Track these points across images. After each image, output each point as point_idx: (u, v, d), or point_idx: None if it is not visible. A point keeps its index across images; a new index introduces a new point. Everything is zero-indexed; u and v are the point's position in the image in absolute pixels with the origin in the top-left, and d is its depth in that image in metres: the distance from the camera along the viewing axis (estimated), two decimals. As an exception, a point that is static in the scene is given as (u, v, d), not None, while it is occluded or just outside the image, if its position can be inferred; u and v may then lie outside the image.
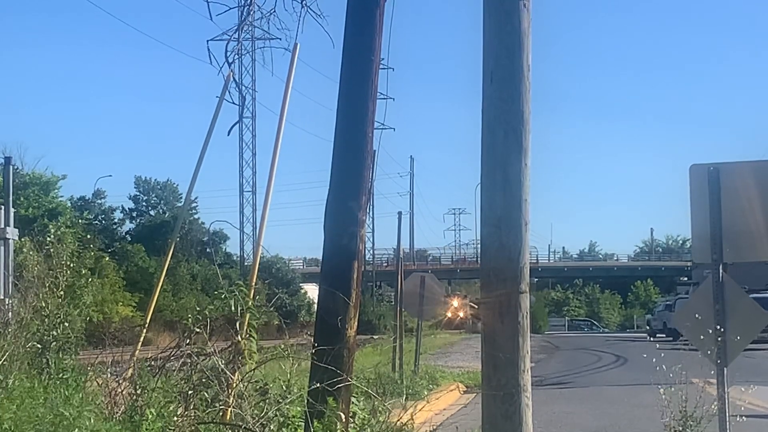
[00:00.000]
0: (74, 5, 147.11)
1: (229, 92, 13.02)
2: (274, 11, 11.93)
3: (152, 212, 77.87)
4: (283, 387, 10.03)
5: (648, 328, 78.02)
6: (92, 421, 6.47)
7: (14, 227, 13.82)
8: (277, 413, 9.50)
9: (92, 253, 11.50)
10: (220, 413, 9.17)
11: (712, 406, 10.07)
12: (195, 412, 8.96)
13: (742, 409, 13.53)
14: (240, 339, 9.98)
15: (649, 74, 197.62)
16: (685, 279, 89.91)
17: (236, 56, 12.68)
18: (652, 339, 65.45)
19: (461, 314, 78.46)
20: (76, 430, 6.13)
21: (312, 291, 74.54)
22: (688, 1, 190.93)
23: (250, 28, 12.44)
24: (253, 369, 9.92)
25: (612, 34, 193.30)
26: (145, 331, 12.84)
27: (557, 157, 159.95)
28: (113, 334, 15.59)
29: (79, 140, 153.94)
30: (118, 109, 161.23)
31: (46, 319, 9.02)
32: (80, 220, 55.44)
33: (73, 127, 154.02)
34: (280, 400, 9.75)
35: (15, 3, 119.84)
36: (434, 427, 12.45)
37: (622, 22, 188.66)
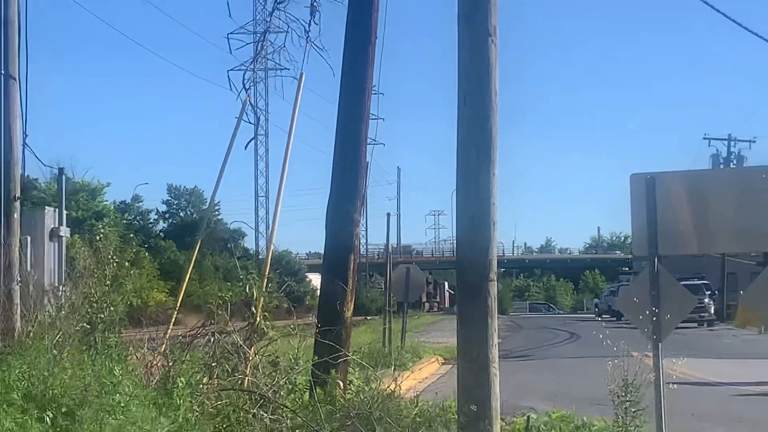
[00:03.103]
0: (123, 45, 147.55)
1: (246, 114, 13.04)
2: (284, 46, 11.96)
3: (182, 214, 77.78)
4: (292, 360, 10.05)
5: (596, 309, 78.01)
6: (131, 388, 6.48)
7: (66, 227, 13.83)
8: (287, 382, 9.52)
9: (132, 249, 11.50)
10: (239, 381, 9.19)
11: (649, 376, 10.10)
12: (218, 381, 8.98)
13: (674, 377, 13.52)
14: (254, 319, 10.01)
15: (600, 92, 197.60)
16: (627, 269, 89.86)
17: (252, 84, 12.72)
18: (599, 319, 65.44)
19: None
20: (117, 395, 6.14)
21: (315, 280, 74.40)
22: (627, 31, 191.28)
23: (263, 60, 12.42)
24: (267, 344, 9.94)
25: (568, 59, 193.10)
26: (176, 313, 12.83)
27: (521, 164, 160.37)
28: (150, 315, 15.57)
29: (121, 153, 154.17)
30: (153, 126, 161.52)
31: (94, 304, 9.04)
32: (122, 221, 55.44)
33: (117, 142, 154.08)
34: (289, 371, 9.77)
35: (72, 41, 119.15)
36: (418, 393, 12.45)
37: (575, 51, 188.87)
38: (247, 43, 12.55)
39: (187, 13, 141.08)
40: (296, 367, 10.03)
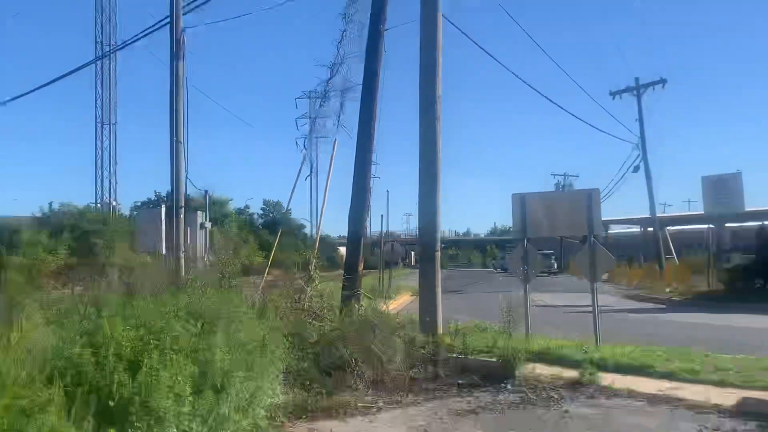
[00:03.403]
0: (240, 124, 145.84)
1: (305, 161, 13.09)
2: (325, 125, 12.01)
3: (270, 215, 77.45)
4: (330, 294, 10.07)
5: (494, 267, 77.83)
6: (244, 308, 6.49)
7: (209, 222, 13.88)
8: (327, 305, 9.54)
9: (243, 234, 11.58)
10: (301, 305, 9.19)
11: (523, 302, 10.14)
12: (290, 304, 8.98)
13: (535, 302, 13.44)
14: (310, 272, 10.03)
15: (496, 146, 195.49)
16: (510, 245, 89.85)
17: (309, 145, 12.76)
18: (496, 272, 65.26)
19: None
20: (236, 312, 6.14)
21: (342, 250, 73.88)
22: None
23: (315, 132, 12.45)
24: (316, 285, 9.95)
25: (478, 125, 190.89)
26: (267, 269, 12.84)
27: (455, 183, 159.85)
28: (253, 270, 15.56)
29: (238, 180, 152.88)
30: (257, 166, 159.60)
31: (223, 264, 9.04)
32: (238, 219, 55.24)
33: (236, 174, 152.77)
34: (328, 299, 9.79)
35: (211, 117, 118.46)
36: (398, 311, 12.49)
37: (483, 122, 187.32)
38: (305, 124, 12.59)
39: (273, 105, 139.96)
40: (332, 298, 10.06)
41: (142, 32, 16.79)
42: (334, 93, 11.66)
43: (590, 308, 10.28)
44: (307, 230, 76.64)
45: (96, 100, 52.50)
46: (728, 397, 6.83)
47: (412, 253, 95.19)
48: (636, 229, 50.01)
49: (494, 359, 8.27)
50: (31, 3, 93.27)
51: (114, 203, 51.66)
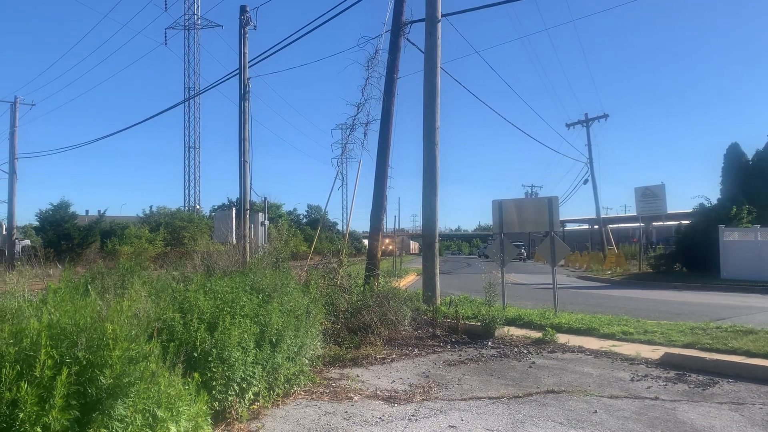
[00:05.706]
0: (290, 149, 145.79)
1: (340, 178, 12.99)
2: (353, 148, 11.93)
3: (312, 215, 77.55)
4: (356, 274, 10.02)
5: (478, 254, 77.24)
6: (293, 284, 6.47)
7: (267, 220, 13.88)
8: (354, 282, 9.49)
9: (292, 229, 11.54)
10: (334, 282, 9.15)
11: (500, 281, 10.06)
12: (327, 281, 8.93)
13: (510, 281, 13.27)
14: (341, 258, 9.98)
15: (478, 161, 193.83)
16: (491, 237, 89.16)
17: (340, 163, 12.67)
18: (480, 258, 64.84)
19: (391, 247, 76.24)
20: (287, 287, 6.10)
21: (366, 241, 73.40)
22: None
23: (345, 154, 12.36)
24: (346, 267, 9.90)
25: (463, 149, 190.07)
26: (310, 255, 12.82)
27: (448, 194, 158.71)
28: (299, 256, 15.57)
29: (288, 189, 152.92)
30: (303, 178, 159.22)
31: (277, 251, 8.96)
32: (289, 218, 55.32)
33: (286, 184, 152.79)
34: (354, 278, 9.73)
35: (271, 141, 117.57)
36: (407, 287, 12.43)
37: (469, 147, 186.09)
38: (338, 148, 12.49)
39: (315, 132, 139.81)
40: (358, 277, 10.01)
41: (217, 80, 16.96)
42: (360, 125, 11.59)
43: (551, 285, 10.18)
44: (339, 227, 76.52)
45: (184, 130, 54.03)
46: (654, 352, 6.72)
47: (413, 243, 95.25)
48: (585, 226, 49.54)
49: (478, 323, 8.21)
50: (135, 55, 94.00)
51: (197, 206, 52.78)
